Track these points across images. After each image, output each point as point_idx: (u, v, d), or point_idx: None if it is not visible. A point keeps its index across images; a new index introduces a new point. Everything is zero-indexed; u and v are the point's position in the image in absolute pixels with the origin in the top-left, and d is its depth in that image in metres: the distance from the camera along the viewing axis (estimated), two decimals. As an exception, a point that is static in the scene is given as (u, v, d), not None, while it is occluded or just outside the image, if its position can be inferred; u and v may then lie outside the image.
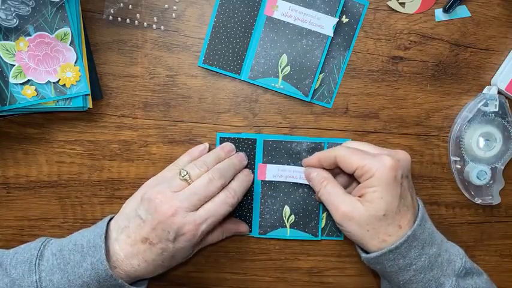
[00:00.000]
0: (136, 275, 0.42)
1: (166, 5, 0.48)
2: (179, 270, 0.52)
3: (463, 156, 0.51)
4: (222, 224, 0.48)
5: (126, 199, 0.46)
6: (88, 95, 0.46)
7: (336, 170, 0.47)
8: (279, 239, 0.51)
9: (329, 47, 0.49)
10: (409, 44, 0.50)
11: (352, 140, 0.51)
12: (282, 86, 0.49)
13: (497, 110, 0.50)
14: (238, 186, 0.45)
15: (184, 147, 0.49)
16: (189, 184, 0.43)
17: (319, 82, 0.50)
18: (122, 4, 0.47)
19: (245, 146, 0.49)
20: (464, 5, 0.50)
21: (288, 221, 0.50)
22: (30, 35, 0.44)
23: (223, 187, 0.44)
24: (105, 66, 0.48)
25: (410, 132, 0.52)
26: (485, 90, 0.51)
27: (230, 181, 0.45)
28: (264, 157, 0.50)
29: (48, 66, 0.45)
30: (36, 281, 0.39)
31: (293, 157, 0.50)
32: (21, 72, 0.44)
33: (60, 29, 0.44)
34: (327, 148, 0.50)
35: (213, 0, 0.48)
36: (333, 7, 0.47)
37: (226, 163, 0.46)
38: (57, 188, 0.50)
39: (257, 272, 0.52)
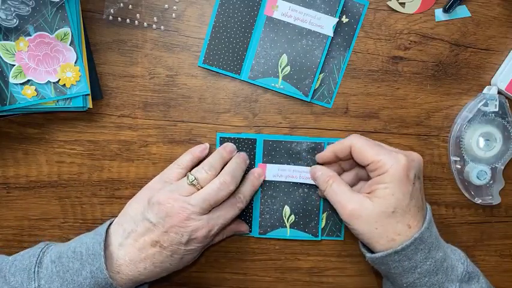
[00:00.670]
0: (141, 278, 0.42)
1: (166, 5, 0.48)
2: (179, 271, 0.52)
3: (463, 156, 0.51)
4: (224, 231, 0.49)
5: (126, 199, 0.46)
6: (88, 95, 0.46)
7: (342, 167, 0.47)
8: (279, 239, 0.51)
9: (329, 47, 0.49)
10: (409, 44, 0.50)
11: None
12: (282, 86, 0.49)
13: (497, 110, 0.50)
14: (247, 191, 0.47)
15: (184, 147, 0.49)
16: (197, 188, 0.43)
17: (319, 82, 0.50)
18: (122, 4, 0.47)
19: (245, 146, 0.49)
20: (464, 5, 0.50)
21: (288, 221, 0.50)
22: (30, 35, 0.44)
23: (234, 191, 0.44)
24: (105, 66, 0.48)
25: (410, 132, 0.52)
26: (485, 90, 0.51)
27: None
28: (264, 157, 0.50)
29: (48, 66, 0.45)
30: None
31: (293, 157, 0.50)
32: (21, 72, 0.44)
33: (60, 29, 0.44)
34: (326, 148, 0.50)
35: (213, 0, 0.48)
36: (333, 7, 0.47)
37: (234, 165, 0.46)
38: (57, 188, 0.50)
39: (257, 272, 0.52)
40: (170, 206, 0.41)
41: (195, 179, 0.43)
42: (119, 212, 0.50)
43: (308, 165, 0.50)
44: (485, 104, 0.50)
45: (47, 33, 0.44)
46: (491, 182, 0.52)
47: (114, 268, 0.41)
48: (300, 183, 0.50)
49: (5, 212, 0.50)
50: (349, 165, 0.48)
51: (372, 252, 0.43)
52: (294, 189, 0.50)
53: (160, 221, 0.41)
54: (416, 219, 0.41)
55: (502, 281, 0.56)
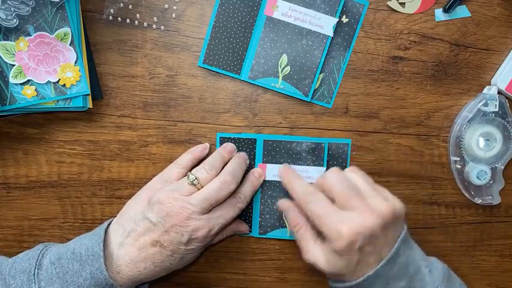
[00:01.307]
0: (141, 278, 0.42)
1: (166, 5, 0.48)
2: (179, 270, 0.52)
3: (463, 156, 0.51)
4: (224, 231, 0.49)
5: (126, 199, 0.46)
6: (88, 95, 0.46)
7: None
8: (279, 239, 0.51)
9: (329, 47, 0.49)
10: (409, 44, 0.50)
11: (352, 140, 0.51)
12: (282, 86, 0.49)
13: (497, 110, 0.50)
14: (247, 191, 0.47)
15: (184, 147, 0.49)
16: (198, 188, 0.43)
17: (319, 82, 0.50)
18: (122, 4, 0.47)
19: (245, 146, 0.49)
20: (464, 5, 0.50)
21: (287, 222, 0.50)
22: (30, 35, 0.44)
23: (234, 190, 0.44)
24: (105, 66, 0.48)
25: (410, 132, 0.52)
26: (485, 90, 0.51)
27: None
28: (264, 157, 0.49)
29: (48, 66, 0.45)
30: None
31: (293, 157, 0.50)
32: (21, 72, 0.44)
33: (60, 29, 0.44)
34: (327, 149, 0.50)
35: (213, 0, 0.48)
36: (333, 7, 0.47)
37: (234, 165, 0.46)
38: (57, 188, 0.50)
39: (257, 272, 0.52)
40: (171, 205, 0.41)
41: (196, 178, 0.43)
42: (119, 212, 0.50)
43: (308, 165, 0.50)
44: (485, 104, 0.50)
45: (47, 33, 0.44)
46: (491, 182, 0.52)
47: (114, 268, 0.41)
48: None
49: (5, 212, 0.50)
50: None
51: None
52: None
53: (161, 221, 0.41)
54: (371, 262, 0.39)
55: (502, 281, 0.56)
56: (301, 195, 0.43)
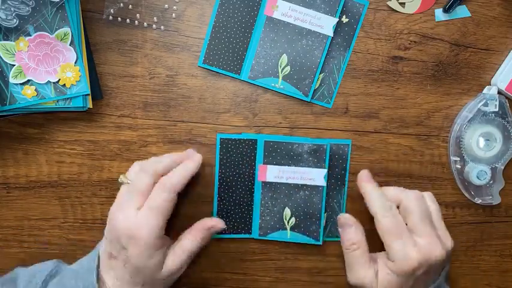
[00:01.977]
0: None
1: (166, 5, 0.48)
2: (179, 270, 0.52)
3: (463, 156, 0.51)
4: (191, 230, 0.45)
5: (126, 199, 0.46)
6: (88, 95, 0.46)
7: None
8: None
9: (329, 47, 0.49)
10: (409, 44, 0.50)
11: (352, 141, 0.51)
12: (282, 86, 0.49)
13: (497, 110, 0.50)
14: (171, 177, 0.42)
15: (184, 147, 0.49)
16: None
17: (319, 82, 0.50)
18: (122, 4, 0.47)
19: (245, 146, 0.49)
20: (464, 5, 0.50)
21: (288, 223, 0.50)
22: (30, 35, 0.44)
23: (154, 181, 0.42)
24: (105, 66, 0.48)
25: (411, 132, 0.52)
26: (485, 90, 0.51)
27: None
28: (265, 158, 0.49)
29: (48, 66, 0.45)
30: None
31: (294, 158, 0.49)
32: (21, 72, 0.44)
33: (60, 29, 0.44)
34: (329, 149, 0.49)
35: (213, 0, 0.48)
36: (333, 7, 0.47)
37: (150, 159, 0.44)
38: (57, 188, 0.50)
39: (257, 272, 0.52)
40: (110, 213, 0.43)
41: (124, 177, 0.43)
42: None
43: (309, 166, 0.49)
44: (485, 104, 0.50)
45: (47, 33, 0.44)
46: (491, 182, 0.52)
47: (105, 285, 0.41)
48: (301, 185, 0.49)
49: (5, 212, 0.50)
50: None
51: None
52: (295, 191, 0.50)
53: (107, 232, 0.42)
54: None
55: (502, 281, 0.56)
56: (379, 208, 0.43)
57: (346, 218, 0.47)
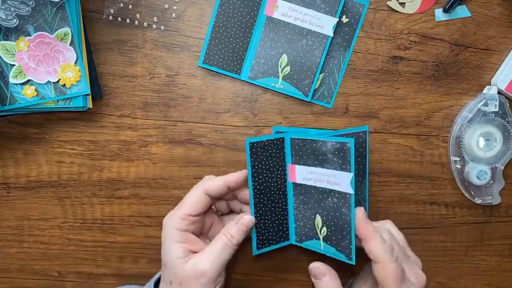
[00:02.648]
0: None
1: (166, 5, 0.48)
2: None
3: (463, 156, 0.51)
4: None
5: (126, 199, 0.46)
6: (88, 95, 0.46)
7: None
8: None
9: (329, 47, 0.49)
10: (409, 44, 0.50)
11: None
12: (282, 86, 0.49)
13: (497, 110, 0.50)
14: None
15: (184, 147, 0.49)
16: None
17: (319, 82, 0.50)
18: (122, 4, 0.47)
19: (274, 147, 0.45)
20: (464, 5, 0.50)
21: (321, 233, 0.45)
22: (30, 35, 0.44)
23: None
24: (105, 66, 0.48)
25: (411, 132, 0.52)
26: (485, 90, 0.51)
27: None
28: (293, 157, 0.45)
29: (48, 66, 0.45)
30: None
31: (319, 158, 0.44)
32: (21, 72, 0.44)
33: (60, 29, 0.44)
34: (353, 149, 0.42)
35: (213, 0, 0.48)
36: (333, 7, 0.47)
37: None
38: (57, 188, 0.50)
39: (257, 272, 0.52)
40: None
41: None
42: (119, 212, 0.50)
43: (335, 169, 0.43)
44: (485, 104, 0.50)
45: (47, 33, 0.44)
46: (491, 182, 0.52)
47: None
48: (330, 190, 0.43)
49: (5, 212, 0.50)
50: None
51: None
52: (324, 196, 0.44)
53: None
54: None
55: (502, 281, 0.56)
56: (385, 253, 0.40)
57: (318, 268, 0.43)
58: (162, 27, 0.48)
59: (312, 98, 0.50)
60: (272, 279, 0.53)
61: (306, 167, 0.44)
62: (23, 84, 0.44)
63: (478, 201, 0.52)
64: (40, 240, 0.50)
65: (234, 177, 0.43)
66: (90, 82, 0.46)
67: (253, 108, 0.50)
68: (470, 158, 0.51)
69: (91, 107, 0.47)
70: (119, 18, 0.48)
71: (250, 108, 0.50)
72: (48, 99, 0.45)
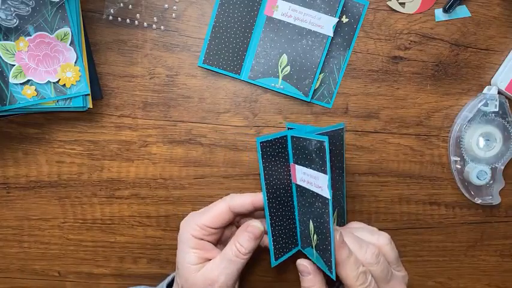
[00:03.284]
0: None
1: (166, 5, 0.48)
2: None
3: (463, 156, 0.51)
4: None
5: (126, 199, 0.46)
6: (88, 95, 0.46)
7: None
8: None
9: (329, 47, 0.49)
10: (409, 44, 0.50)
11: (350, 137, 0.51)
12: (282, 86, 0.49)
13: (497, 110, 0.50)
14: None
15: (184, 147, 0.49)
16: None
17: (319, 82, 0.50)
18: (122, 4, 0.47)
19: (280, 146, 0.42)
20: (464, 5, 0.50)
21: (313, 241, 0.42)
22: (30, 35, 0.44)
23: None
24: (105, 66, 0.48)
25: (411, 132, 0.52)
26: (485, 90, 0.51)
27: None
28: (294, 156, 0.42)
29: (48, 66, 0.45)
30: None
31: (308, 158, 0.40)
32: (21, 72, 0.44)
33: (60, 29, 0.44)
34: (328, 149, 0.37)
35: (213, 0, 0.48)
36: (333, 7, 0.47)
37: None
38: (57, 188, 0.50)
39: (257, 272, 0.52)
40: None
41: None
42: (119, 212, 0.50)
43: (317, 170, 0.39)
44: (485, 104, 0.50)
45: (47, 33, 0.44)
46: (491, 182, 0.52)
47: None
48: (316, 194, 0.39)
49: (5, 212, 0.50)
50: None
51: None
52: (313, 200, 0.40)
53: None
54: None
55: (502, 281, 0.56)
56: (354, 279, 0.39)
57: (304, 266, 0.42)
58: (162, 27, 0.48)
59: (312, 98, 0.50)
60: (272, 279, 0.53)
61: (301, 167, 0.41)
62: (23, 84, 0.44)
63: (478, 201, 0.52)
64: (40, 240, 0.50)
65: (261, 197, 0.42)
66: (90, 82, 0.46)
67: (253, 108, 0.50)
68: (470, 158, 0.51)
69: (91, 107, 0.47)
70: (119, 18, 0.48)
71: (250, 108, 0.50)
72: (48, 99, 0.45)
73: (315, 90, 0.49)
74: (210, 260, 0.42)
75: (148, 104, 0.49)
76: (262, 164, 0.40)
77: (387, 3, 0.49)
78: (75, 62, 0.45)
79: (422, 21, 0.50)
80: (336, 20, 0.47)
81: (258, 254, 0.52)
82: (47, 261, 0.51)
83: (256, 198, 0.42)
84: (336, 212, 0.46)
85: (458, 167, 0.52)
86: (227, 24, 0.48)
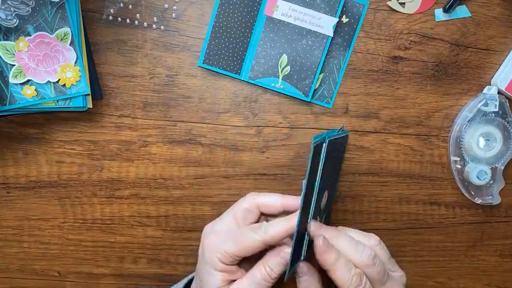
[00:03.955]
0: None
1: (166, 5, 0.48)
2: (179, 271, 0.52)
3: (463, 156, 0.51)
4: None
5: (126, 199, 0.46)
6: (88, 95, 0.46)
7: None
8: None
9: (329, 47, 0.49)
10: (409, 44, 0.50)
11: (352, 140, 0.51)
12: (282, 86, 0.49)
13: (497, 110, 0.50)
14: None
15: (184, 147, 0.49)
16: None
17: (319, 82, 0.50)
18: (122, 4, 0.47)
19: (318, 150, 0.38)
20: (464, 5, 0.50)
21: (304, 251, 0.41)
22: (30, 35, 0.44)
23: None
24: (105, 66, 0.48)
25: (411, 132, 0.52)
26: (485, 90, 0.51)
27: None
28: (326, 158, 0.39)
29: (48, 66, 0.45)
30: None
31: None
32: (21, 72, 0.44)
33: (60, 29, 0.44)
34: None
35: (213, 0, 0.48)
36: (333, 7, 0.47)
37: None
38: (57, 188, 0.50)
39: (257, 272, 0.52)
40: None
41: None
42: (119, 212, 0.50)
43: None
44: (485, 104, 0.50)
45: (47, 33, 0.44)
46: (491, 182, 0.52)
47: None
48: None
49: (5, 212, 0.50)
50: None
51: None
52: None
53: None
54: None
55: (502, 281, 0.56)
56: (347, 282, 0.39)
57: (301, 267, 0.41)
58: (162, 27, 0.48)
59: (312, 98, 0.50)
60: (272, 279, 0.52)
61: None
62: (22, 84, 0.44)
63: (478, 201, 0.52)
64: (40, 240, 0.50)
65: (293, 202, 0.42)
66: (90, 82, 0.46)
67: (253, 108, 0.50)
68: (470, 158, 0.51)
69: (91, 107, 0.47)
70: (119, 18, 0.48)
71: (250, 108, 0.50)
72: (48, 99, 0.45)
73: (315, 90, 0.49)
74: (235, 280, 0.41)
75: (148, 104, 0.49)
76: (311, 165, 0.35)
77: (387, 3, 0.49)
78: (75, 62, 0.45)
79: (423, 21, 0.50)
80: (336, 20, 0.47)
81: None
82: (46, 261, 0.51)
83: (287, 202, 0.42)
84: (325, 214, 0.45)
85: (459, 167, 0.52)
86: (227, 24, 0.48)
